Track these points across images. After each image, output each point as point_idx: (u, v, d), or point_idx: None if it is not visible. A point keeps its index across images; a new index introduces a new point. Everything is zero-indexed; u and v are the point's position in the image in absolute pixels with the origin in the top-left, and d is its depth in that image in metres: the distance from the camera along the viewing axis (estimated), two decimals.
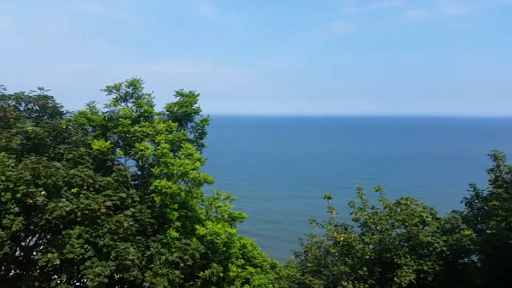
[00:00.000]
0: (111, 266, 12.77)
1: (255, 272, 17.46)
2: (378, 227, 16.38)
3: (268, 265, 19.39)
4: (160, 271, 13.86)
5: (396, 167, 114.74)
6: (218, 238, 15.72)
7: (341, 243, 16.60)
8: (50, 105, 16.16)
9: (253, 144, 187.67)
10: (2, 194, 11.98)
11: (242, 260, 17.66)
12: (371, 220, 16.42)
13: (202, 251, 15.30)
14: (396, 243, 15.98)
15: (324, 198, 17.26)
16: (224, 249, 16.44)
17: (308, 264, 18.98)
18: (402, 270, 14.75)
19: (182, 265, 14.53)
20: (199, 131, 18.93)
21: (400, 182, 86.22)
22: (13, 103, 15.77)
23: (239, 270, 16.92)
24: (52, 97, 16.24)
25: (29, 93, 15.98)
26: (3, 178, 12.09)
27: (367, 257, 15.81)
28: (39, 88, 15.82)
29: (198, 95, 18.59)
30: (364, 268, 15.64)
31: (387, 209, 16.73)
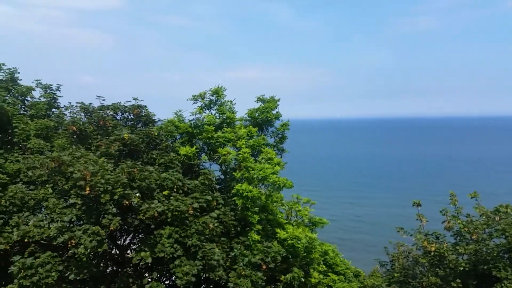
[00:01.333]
0: (198, 265, 13.34)
1: (338, 279, 17.06)
2: (473, 237, 15.02)
3: (352, 273, 18.82)
4: (243, 272, 14.18)
5: (494, 171, 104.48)
6: (299, 242, 15.65)
7: (432, 253, 15.52)
8: (143, 114, 17.54)
9: (332, 148, 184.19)
10: (102, 195, 13.16)
11: (324, 266, 17.38)
12: (466, 229, 15.12)
13: (283, 254, 15.35)
14: (495, 255, 14.52)
15: (413, 205, 16.30)
16: (305, 254, 16.31)
17: (395, 275, 18.02)
18: (503, 285, 13.35)
19: (264, 267, 14.72)
20: (279, 136, 19.13)
21: (499, 187, 78.30)
22: (111, 113, 17.38)
23: (321, 276, 16.65)
24: (145, 106, 17.61)
25: (125, 103, 17.51)
26: (102, 181, 13.25)
27: (461, 268, 14.58)
28: (134, 99, 17.25)
29: (278, 100, 18.83)
30: (458, 280, 14.44)
31: (484, 217, 15.29)
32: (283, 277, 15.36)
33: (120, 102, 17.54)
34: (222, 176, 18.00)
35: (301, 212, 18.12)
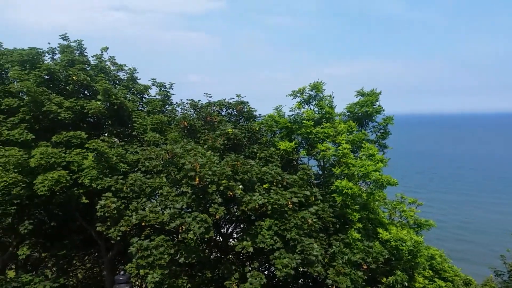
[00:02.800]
0: (297, 259, 13.49)
1: (445, 286, 15.84)
2: None
3: (461, 281, 17.30)
4: (342, 270, 13.96)
5: None
6: (403, 245, 14.88)
7: None
8: (245, 110, 18.26)
9: (441, 145, 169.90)
10: (209, 186, 14.01)
11: (430, 271, 16.27)
12: None
13: (386, 256, 14.73)
14: None
15: None
16: (410, 257, 15.45)
17: None
18: None
19: (364, 267, 14.31)
20: (381, 131, 18.32)
21: None
22: (216, 109, 18.41)
23: (427, 281, 15.63)
24: (247, 102, 18.30)
25: (229, 100, 18.40)
26: (210, 172, 14.10)
27: None
28: (237, 95, 18.05)
29: (379, 93, 18.03)
30: None
31: None
32: (384, 279, 14.76)
33: (225, 99, 18.48)
34: (320, 172, 17.87)
35: (406, 212, 17.17)
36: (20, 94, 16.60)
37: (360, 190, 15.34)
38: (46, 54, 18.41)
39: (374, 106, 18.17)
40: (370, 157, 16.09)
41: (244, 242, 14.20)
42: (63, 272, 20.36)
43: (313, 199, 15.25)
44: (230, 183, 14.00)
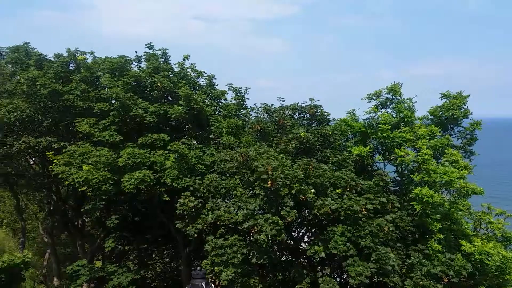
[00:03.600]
0: (371, 267, 13.08)
1: None
2: None
3: None
4: (421, 282, 13.24)
5: None
6: (490, 259, 13.72)
7: None
8: (318, 113, 18.14)
9: None
10: (281, 189, 14.13)
11: None
12: None
13: (469, 270, 13.69)
14: None
15: None
16: (497, 273, 14.18)
17: None
18: None
19: (445, 280, 13.43)
20: (468, 136, 17.07)
21: None
22: (289, 113, 18.52)
23: None
24: (320, 106, 18.18)
25: (302, 103, 18.41)
26: (282, 176, 14.22)
27: None
28: (310, 99, 17.99)
29: (467, 96, 16.83)
30: None
31: None
32: None
33: (298, 103, 18.52)
34: (398, 178, 17.12)
35: (493, 224, 15.78)
36: (110, 99, 18.14)
37: (442, 199, 14.43)
38: (133, 62, 19.95)
39: (461, 110, 17.00)
40: (454, 164, 15.08)
41: (316, 247, 14.09)
42: (144, 265, 21.82)
43: (390, 206, 14.67)
44: (302, 187, 13.99)
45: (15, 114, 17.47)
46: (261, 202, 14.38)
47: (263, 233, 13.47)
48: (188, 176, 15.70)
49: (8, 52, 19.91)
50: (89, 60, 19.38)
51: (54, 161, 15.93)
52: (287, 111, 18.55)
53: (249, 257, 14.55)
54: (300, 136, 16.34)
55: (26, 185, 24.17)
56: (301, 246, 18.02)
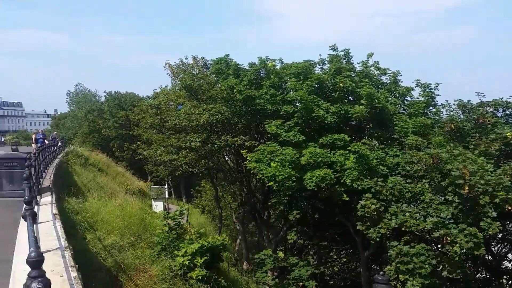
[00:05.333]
0: None
1: None
2: None
3: None
4: None
5: None
6: None
7: None
8: None
9: None
10: (481, 197, 12.42)
11: None
12: None
13: None
14: None
15: None
16: None
17: None
18: None
19: None
20: None
21: None
22: (491, 110, 16.12)
23: None
24: None
25: (508, 98, 15.79)
26: (482, 182, 12.48)
27: None
28: None
29: None
30: None
31: None
32: None
33: (502, 98, 15.95)
34: None
35: None
36: (295, 101, 19.22)
37: None
38: (317, 65, 20.64)
39: None
40: None
41: None
42: (322, 262, 22.36)
43: None
44: (509, 196, 12.02)
45: (217, 117, 20.32)
46: (455, 210, 12.97)
47: (457, 245, 12.18)
48: (369, 177, 15.34)
49: (212, 63, 23.27)
50: (278, 67, 20.94)
51: (247, 158, 17.84)
52: (488, 108, 16.18)
53: (439, 269, 13.33)
54: (505, 136, 14.09)
55: (223, 178, 27.90)
56: (503, 264, 15.56)
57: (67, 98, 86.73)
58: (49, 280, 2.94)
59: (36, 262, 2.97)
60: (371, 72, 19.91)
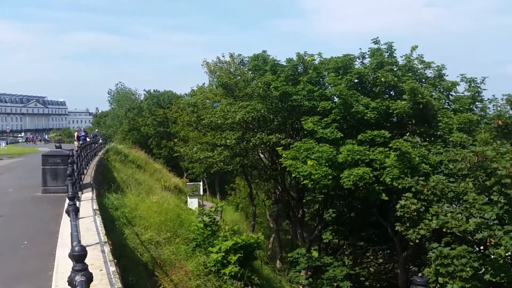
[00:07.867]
0: None
1: None
2: None
3: None
4: None
5: None
6: None
7: None
8: None
9: None
10: None
11: None
12: None
13: None
14: None
15: None
16: None
17: None
18: None
19: None
20: None
21: None
22: None
23: None
24: None
25: None
26: None
27: None
28: None
29: None
30: None
31: None
32: None
33: None
34: None
35: None
36: (333, 97, 18.80)
37: None
38: (357, 59, 20.04)
39: None
40: None
41: None
42: (357, 262, 21.90)
43: None
44: None
45: (253, 114, 20.27)
46: (500, 211, 12.32)
47: (502, 247, 11.63)
48: (410, 176, 14.81)
49: (249, 60, 23.25)
50: (316, 62, 20.54)
51: (283, 155, 17.69)
52: None
53: (481, 272, 12.73)
54: None
55: (258, 176, 27.89)
56: None
57: (108, 97, 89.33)
58: (92, 274, 3.01)
59: (79, 256, 3.05)
60: (414, 65, 19.16)
